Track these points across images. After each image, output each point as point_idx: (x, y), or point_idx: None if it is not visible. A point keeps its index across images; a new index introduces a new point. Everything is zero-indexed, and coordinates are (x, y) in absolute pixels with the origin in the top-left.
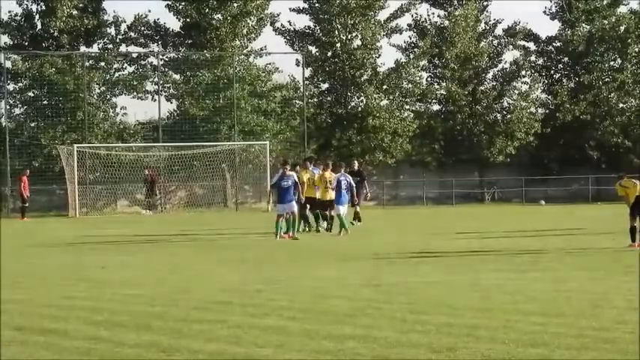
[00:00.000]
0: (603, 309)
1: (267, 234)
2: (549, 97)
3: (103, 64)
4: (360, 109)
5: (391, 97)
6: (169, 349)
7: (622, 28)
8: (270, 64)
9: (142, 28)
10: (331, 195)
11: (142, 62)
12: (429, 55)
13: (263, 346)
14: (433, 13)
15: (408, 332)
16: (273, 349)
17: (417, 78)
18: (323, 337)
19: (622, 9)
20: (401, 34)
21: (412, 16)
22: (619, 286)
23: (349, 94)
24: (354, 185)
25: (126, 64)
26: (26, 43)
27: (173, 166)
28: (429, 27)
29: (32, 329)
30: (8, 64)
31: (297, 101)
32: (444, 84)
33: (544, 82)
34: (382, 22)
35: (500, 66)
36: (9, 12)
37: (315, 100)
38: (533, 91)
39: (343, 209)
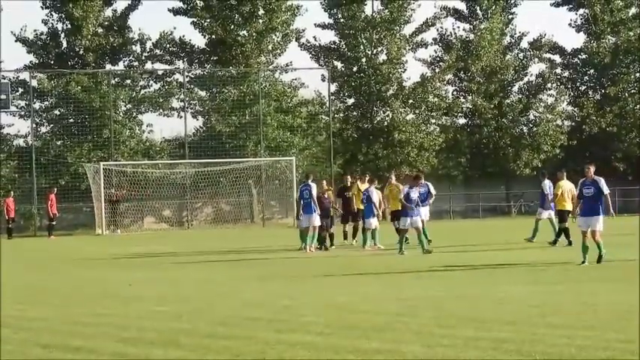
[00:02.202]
0: (630, 321)
1: (292, 249)
2: (575, 109)
3: (128, 81)
4: (386, 123)
5: (417, 112)
6: None
7: None
8: (295, 79)
9: (168, 45)
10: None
11: (168, 79)
12: (454, 69)
13: None
14: (458, 27)
15: (435, 346)
16: None
17: (443, 92)
18: (350, 351)
19: None
20: (426, 48)
21: (437, 30)
22: None
23: (375, 108)
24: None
25: (152, 82)
26: (52, 62)
27: (199, 183)
28: (454, 41)
29: (59, 346)
30: (34, 83)
31: (323, 116)
32: (469, 97)
33: (570, 94)
34: (407, 36)
35: (525, 79)
36: (34, 31)
37: (341, 115)
38: (559, 104)
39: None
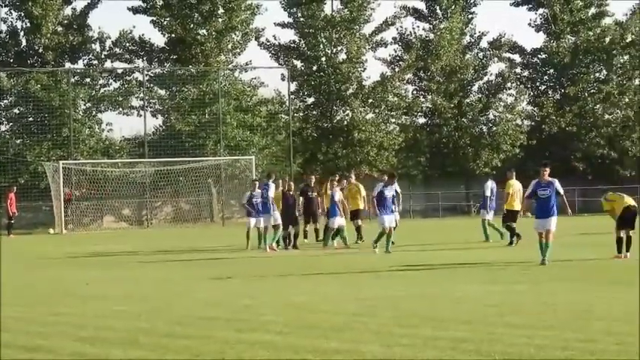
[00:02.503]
0: (589, 321)
1: (254, 248)
2: (535, 109)
3: (88, 80)
4: (345, 122)
5: (377, 111)
6: None
7: (607, 39)
8: (255, 78)
9: (127, 44)
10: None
11: (128, 78)
12: (414, 69)
13: None
14: (418, 26)
15: (393, 346)
16: None
17: (403, 91)
18: (309, 351)
19: (607, 20)
20: (386, 47)
21: (397, 29)
22: (605, 297)
23: (335, 107)
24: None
25: (111, 80)
26: (11, 60)
27: (159, 182)
28: (414, 40)
29: (17, 346)
30: None
31: (283, 115)
32: (429, 97)
33: (529, 94)
34: (367, 35)
35: (485, 78)
36: None
37: (301, 114)
38: (518, 103)
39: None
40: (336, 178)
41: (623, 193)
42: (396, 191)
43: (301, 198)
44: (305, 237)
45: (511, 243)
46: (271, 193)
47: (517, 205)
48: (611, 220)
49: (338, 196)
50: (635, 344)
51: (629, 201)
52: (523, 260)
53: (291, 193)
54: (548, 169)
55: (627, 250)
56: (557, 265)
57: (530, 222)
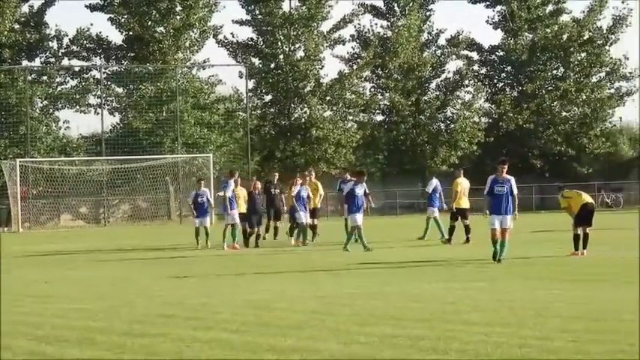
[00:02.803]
0: (546, 318)
1: (212, 246)
2: (492, 106)
3: (45, 78)
4: (303, 120)
5: (334, 108)
6: None
7: (564, 36)
8: (213, 76)
9: (85, 42)
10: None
11: (85, 76)
12: (372, 66)
13: None
14: (376, 24)
15: (351, 344)
16: None
17: (361, 89)
18: (266, 349)
19: (564, 18)
20: (344, 45)
21: (355, 27)
22: (562, 295)
23: (292, 105)
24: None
25: (68, 78)
26: None
27: (116, 180)
28: (372, 38)
29: None
30: None
31: (241, 113)
32: (387, 94)
33: (487, 91)
34: (325, 33)
35: (443, 76)
36: None
37: (259, 111)
38: (476, 101)
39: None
40: (304, 175)
41: (580, 191)
42: (365, 190)
43: (265, 195)
44: (267, 231)
45: (449, 241)
46: (229, 192)
47: (464, 203)
48: (568, 217)
49: (305, 192)
50: (590, 341)
51: (587, 198)
52: (481, 258)
53: (257, 192)
54: (506, 166)
55: (584, 247)
56: (515, 262)
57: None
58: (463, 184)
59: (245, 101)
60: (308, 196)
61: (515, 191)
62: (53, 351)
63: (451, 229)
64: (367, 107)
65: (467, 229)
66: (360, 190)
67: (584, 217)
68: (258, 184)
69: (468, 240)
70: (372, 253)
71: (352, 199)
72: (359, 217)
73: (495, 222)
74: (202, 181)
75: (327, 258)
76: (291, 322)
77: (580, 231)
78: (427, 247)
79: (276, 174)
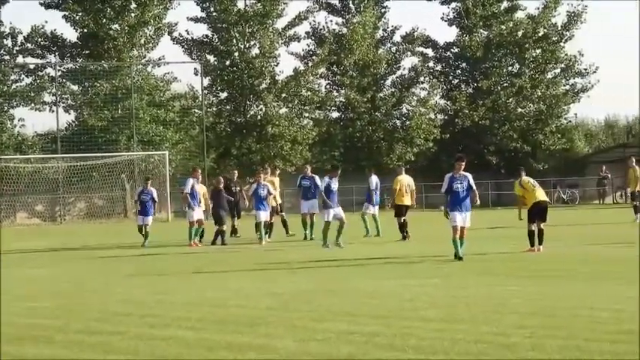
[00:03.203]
0: (502, 314)
1: (169, 244)
2: (448, 103)
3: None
4: (259, 117)
5: (290, 105)
6: None
7: (519, 33)
8: (168, 73)
9: (39, 40)
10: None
11: (40, 73)
12: (327, 63)
13: (162, 358)
14: (331, 21)
15: (307, 341)
16: None
17: (316, 86)
18: (223, 347)
19: (519, 14)
20: (299, 42)
21: (310, 23)
22: (518, 291)
23: (248, 102)
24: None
25: (23, 76)
26: None
27: (72, 178)
28: (327, 35)
29: None
30: None
31: (196, 110)
32: (342, 91)
33: (443, 88)
34: (280, 30)
35: (398, 72)
36: None
37: (214, 109)
38: (431, 97)
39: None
40: (266, 172)
41: (536, 185)
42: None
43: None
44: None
45: (404, 238)
46: (187, 188)
47: (406, 200)
48: (524, 214)
49: (263, 190)
50: (546, 337)
51: (540, 196)
52: (437, 254)
53: (220, 189)
54: (463, 163)
55: (540, 243)
56: (471, 258)
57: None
58: (403, 181)
59: (200, 98)
60: (269, 193)
61: (474, 187)
62: (9, 349)
63: (402, 225)
64: (323, 104)
65: (404, 226)
66: (335, 186)
67: (536, 214)
68: (221, 181)
69: (405, 237)
70: (329, 251)
71: (328, 195)
72: (332, 213)
73: (457, 219)
74: (150, 180)
75: (282, 255)
76: (247, 320)
77: (534, 227)
78: (384, 245)
79: (236, 172)
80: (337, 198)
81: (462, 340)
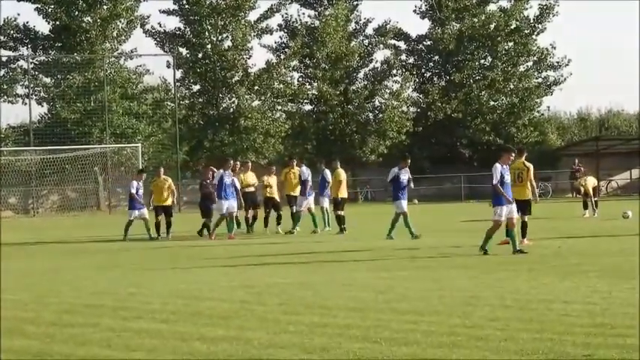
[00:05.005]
0: (475, 307)
1: (140, 237)
2: (420, 95)
3: None
4: (231, 110)
5: (263, 98)
6: (41, 354)
7: (492, 26)
8: (140, 66)
9: (11, 32)
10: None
11: (12, 66)
12: (299, 56)
13: (136, 349)
14: (303, 13)
15: (280, 333)
16: (146, 352)
17: (289, 78)
18: (196, 339)
19: (491, 7)
20: (271, 34)
21: (282, 16)
22: (492, 284)
23: (221, 95)
24: None
25: None
26: None
27: (45, 170)
28: (299, 27)
29: None
30: None
31: (169, 103)
32: (315, 84)
33: (415, 80)
34: (252, 22)
35: (371, 65)
36: None
37: (187, 101)
38: (404, 90)
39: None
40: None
41: (521, 177)
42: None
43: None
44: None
45: (342, 231)
46: (216, 180)
47: (344, 193)
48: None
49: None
50: (519, 329)
51: (517, 193)
52: (410, 247)
53: (208, 182)
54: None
55: (523, 237)
56: (444, 251)
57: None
58: (342, 174)
59: (173, 91)
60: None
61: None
62: None
63: (341, 218)
64: (295, 97)
65: (342, 219)
66: (404, 176)
67: (518, 207)
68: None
69: (343, 230)
70: (301, 244)
71: (397, 186)
72: (404, 204)
73: (404, 206)
74: (144, 173)
75: (254, 248)
76: (220, 312)
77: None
78: (356, 237)
79: (237, 163)
80: (405, 188)
81: (435, 332)
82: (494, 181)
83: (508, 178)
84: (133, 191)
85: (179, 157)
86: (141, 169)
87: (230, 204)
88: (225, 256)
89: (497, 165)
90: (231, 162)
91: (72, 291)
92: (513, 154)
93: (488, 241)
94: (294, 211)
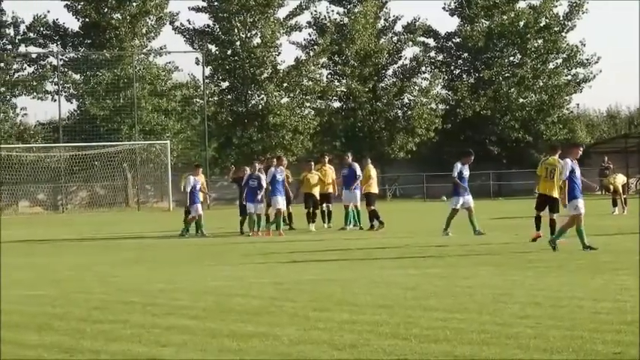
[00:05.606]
0: (505, 304)
1: (169, 233)
2: (449, 92)
3: (2, 64)
4: (260, 107)
5: (291, 95)
6: (71, 350)
7: (521, 23)
8: (169, 63)
9: (41, 29)
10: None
11: (42, 62)
12: (328, 53)
13: (165, 345)
14: (332, 11)
15: (310, 330)
16: (176, 349)
17: (317, 75)
18: (226, 335)
19: (521, 4)
20: (300, 31)
21: (312, 13)
22: (521, 281)
23: (249, 92)
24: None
25: (25, 65)
26: None
27: (74, 167)
28: (328, 24)
29: None
30: None
31: (198, 100)
32: (344, 81)
33: (444, 78)
34: (282, 19)
35: (400, 62)
36: None
37: (216, 98)
38: (433, 87)
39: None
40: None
41: (549, 177)
42: (356, 174)
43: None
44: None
45: (382, 224)
46: (269, 177)
47: (376, 189)
48: (526, 204)
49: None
50: (549, 327)
51: (545, 189)
52: (439, 244)
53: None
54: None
55: (552, 234)
56: (474, 248)
57: None
58: (374, 170)
59: (202, 88)
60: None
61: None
62: (11, 336)
63: (374, 213)
64: (324, 94)
65: (376, 214)
66: (467, 172)
67: (542, 204)
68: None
69: (378, 225)
70: (331, 241)
71: (462, 182)
72: (463, 200)
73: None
74: (201, 168)
75: (284, 245)
76: (250, 309)
77: (542, 214)
78: (386, 234)
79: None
80: (466, 184)
81: (465, 330)
82: (563, 177)
83: (578, 172)
84: (195, 186)
85: (207, 154)
86: (197, 164)
87: (281, 200)
88: (254, 253)
89: (568, 160)
90: (284, 159)
91: (101, 287)
92: (581, 149)
93: (583, 236)
94: (330, 209)
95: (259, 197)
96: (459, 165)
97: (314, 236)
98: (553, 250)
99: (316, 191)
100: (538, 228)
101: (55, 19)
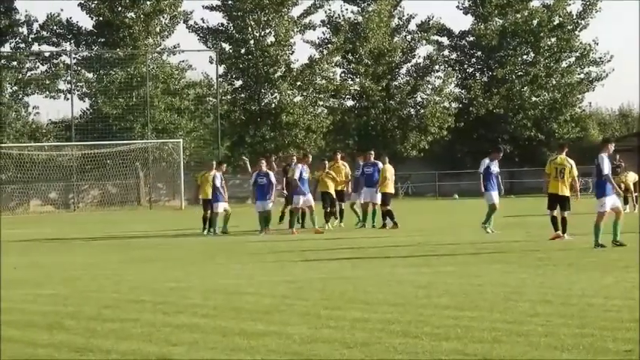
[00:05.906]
0: (516, 302)
1: (182, 232)
2: (463, 91)
3: (15, 63)
4: (273, 105)
5: (305, 94)
6: (82, 349)
7: (534, 22)
8: (183, 61)
9: (55, 27)
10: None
11: (55, 61)
12: (342, 51)
13: (176, 344)
14: (346, 9)
15: (321, 328)
16: (187, 347)
17: (331, 74)
18: (236, 334)
19: (534, 3)
20: (314, 30)
21: (325, 12)
22: (532, 279)
23: (263, 90)
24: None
25: (38, 63)
26: None
27: (86, 165)
28: (342, 23)
29: None
30: None
31: (211, 98)
32: (357, 80)
33: (457, 76)
34: (295, 18)
35: (413, 61)
36: None
37: (229, 97)
38: (446, 86)
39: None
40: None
41: (559, 175)
42: (378, 171)
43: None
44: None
45: (395, 225)
46: (297, 174)
47: (391, 189)
48: (537, 202)
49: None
50: (560, 325)
51: (555, 188)
52: (450, 242)
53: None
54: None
55: (564, 232)
56: (484, 247)
57: None
58: (391, 170)
59: (215, 86)
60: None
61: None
62: (22, 335)
63: (389, 213)
64: (337, 92)
65: (391, 215)
66: (495, 168)
67: (553, 202)
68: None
69: (392, 225)
70: (343, 239)
71: (489, 177)
72: (494, 195)
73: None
74: (224, 164)
75: (295, 243)
76: (261, 307)
77: (556, 213)
78: (397, 232)
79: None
80: (498, 181)
81: (476, 328)
82: (605, 172)
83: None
84: (219, 183)
85: (220, 153)
86: (220, 161)
87: (307, 198)
88: (266, 251)
89: (603, 156)
90: (310, 157)
91: (112, 286)
92: (612, 145)
93: (598, 234)
94: (342, 207)
95: (269, 195)
96: (486, 161)
97: (325, 234)
98: (619, 246)
99: (332, 189)
100: (556, 228)
101: (69, 18)
